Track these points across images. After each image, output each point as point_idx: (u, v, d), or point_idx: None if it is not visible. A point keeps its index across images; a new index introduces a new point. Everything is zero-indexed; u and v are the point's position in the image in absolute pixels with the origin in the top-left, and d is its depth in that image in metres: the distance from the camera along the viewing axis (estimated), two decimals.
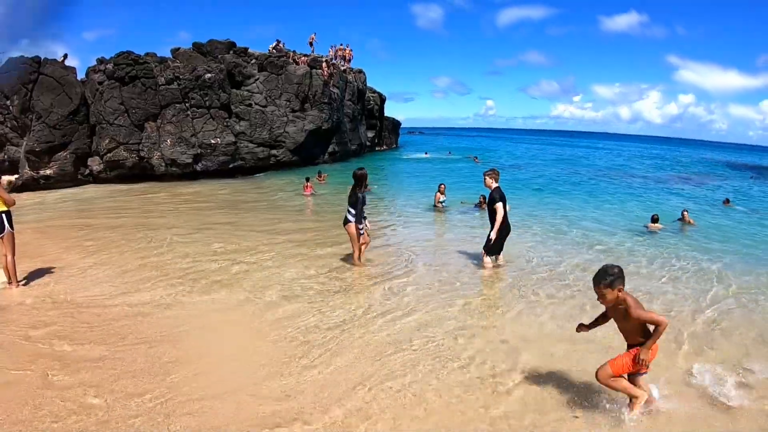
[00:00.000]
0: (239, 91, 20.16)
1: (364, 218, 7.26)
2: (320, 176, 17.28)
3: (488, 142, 62.69)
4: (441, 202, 12.70)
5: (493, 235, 6.97)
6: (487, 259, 7.27)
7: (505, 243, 7.35)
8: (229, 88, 19.59)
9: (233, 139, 19.26)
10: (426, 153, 36.40)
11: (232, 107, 19.68)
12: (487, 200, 7.53)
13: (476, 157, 32.52)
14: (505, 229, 7.13)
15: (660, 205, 14.67)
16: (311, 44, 25.86)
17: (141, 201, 13.87)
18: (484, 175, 7.25)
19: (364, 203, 7.20)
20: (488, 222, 7.21)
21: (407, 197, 15.10)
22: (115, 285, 6.23)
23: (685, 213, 12.27)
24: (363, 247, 7.32)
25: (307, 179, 15.34)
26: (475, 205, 12.87)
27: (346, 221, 7.09)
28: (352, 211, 7.01)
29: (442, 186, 12.86)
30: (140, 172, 16.94)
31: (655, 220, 11.42)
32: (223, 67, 19.56)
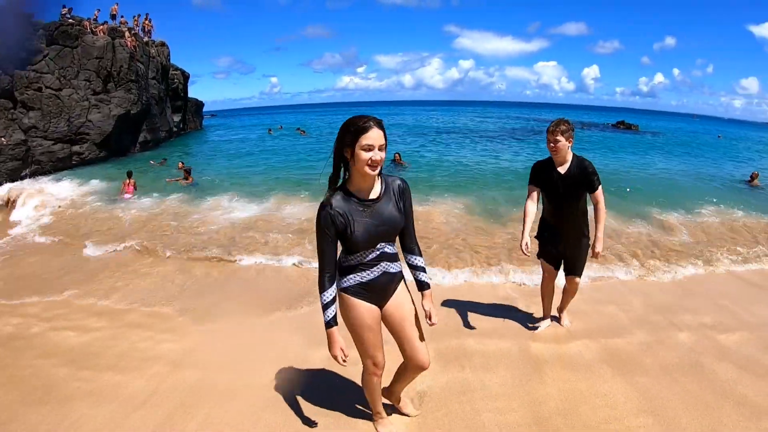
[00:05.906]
0: (24, 72, 15.44)
1: (423, 276, 2.57)
2: (181, 165, 13.95)
3: (284, 117, 62.18)
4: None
5: (599, 246, 3.77)
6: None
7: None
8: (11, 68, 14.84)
9: (23, 137, 14.80)
10: (299, 129, 33.36)
11: (17, 94, 14.99)
12: (561, 174, 3.75)
13: (303, 131, 32.26)
14: (579, 236, 3.98)
15: None
16: (114, 17, 21.27)
17: None
18: (556, 133, 3.62)
19: (390, 224, 2.34)
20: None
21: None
22: None
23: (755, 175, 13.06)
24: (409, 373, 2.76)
25: (129, 174, 11.81)
26: (391, 162, 13.61)
27: (327, 304, 2.37)
28: (344, 262, 2.42)
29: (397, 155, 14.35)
30: None
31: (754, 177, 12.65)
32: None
